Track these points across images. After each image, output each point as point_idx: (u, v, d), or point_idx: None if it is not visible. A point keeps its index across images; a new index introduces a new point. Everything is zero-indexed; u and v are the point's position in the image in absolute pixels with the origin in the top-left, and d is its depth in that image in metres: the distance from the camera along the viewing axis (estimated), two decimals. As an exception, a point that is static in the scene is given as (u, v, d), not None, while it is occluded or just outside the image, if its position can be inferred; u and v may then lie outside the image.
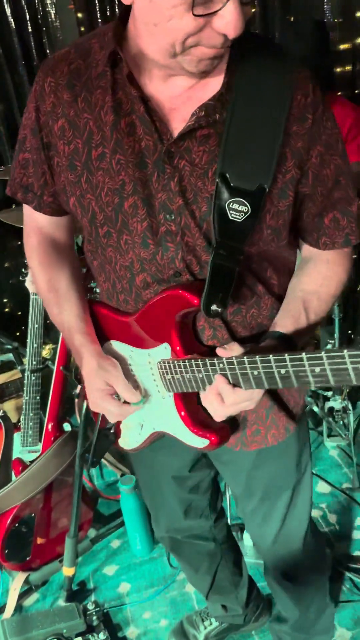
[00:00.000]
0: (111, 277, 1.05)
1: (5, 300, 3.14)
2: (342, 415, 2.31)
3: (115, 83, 0.92)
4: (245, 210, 0.90)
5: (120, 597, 1.91)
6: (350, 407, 2.27)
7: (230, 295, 0.96)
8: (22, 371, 2.27)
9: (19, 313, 3.16)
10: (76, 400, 2.32)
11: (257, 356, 0.84)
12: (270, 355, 0.82)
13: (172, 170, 0.91)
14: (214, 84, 0.90)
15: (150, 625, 1.80)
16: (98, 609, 1.80)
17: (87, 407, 1.75)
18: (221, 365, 0.90)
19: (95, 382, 1.04)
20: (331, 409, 2.32)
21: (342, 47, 2.55)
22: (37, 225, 1.13)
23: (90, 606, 1.80)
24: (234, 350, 0.91)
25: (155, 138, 0.91)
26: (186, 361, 0.96)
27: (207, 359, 0.93)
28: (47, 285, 1.12)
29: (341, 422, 2.33)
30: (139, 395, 1.05)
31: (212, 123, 0.89)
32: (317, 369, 0.77)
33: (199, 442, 1.02)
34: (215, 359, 0.91)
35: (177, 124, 0.91)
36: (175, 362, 0.98)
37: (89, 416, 1.80)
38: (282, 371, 0.82)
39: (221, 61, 0.88)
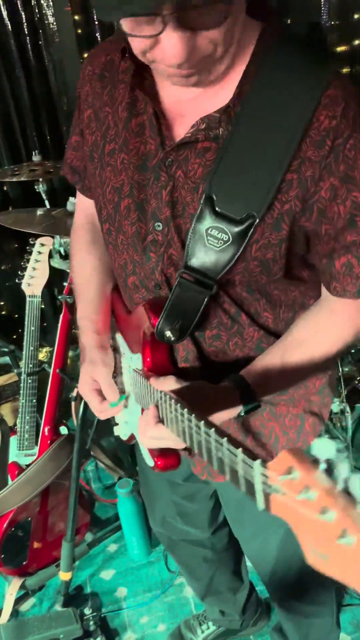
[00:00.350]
0: (115, 273, 1.06)
1: (1, 303, 3.13)
2: (340, 418, 2.31)
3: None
4: (225, 239, 0.82)
5: (118, 601, 1.89)
6: (348, 409, 2.26)
7: (195, 324, 0.89)
8: (19, 374, 2.26)
9: (16, 316, 3.14)
10: (73, 403, 2.31)
11: (176, 401, 0.75)
12: (179, 407, 0.74)
13: (166, 179, 0.87)
14: (226, 93, 0.82)
15: (147, 630, 1.79)
16: (95, 613, 1.79)
17: (84, 411, 1.75)
18: (156, 396, 0.84)
19: (84, 373, 1.06)
20: (329, 412, 2.31)
21: (339, 49, 2.55)
22: (82, 207, 1.16)
23: (87, 611, 1.79)
24: (166, 384, 0.84)
25: (157, 142, 0.87)
26: (142, 379, 0.92)
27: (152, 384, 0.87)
28: (75, 268, 1.16)
29: (339, 425, 2.32)
30: (117, 397, 1.03)
31: (213, 137, 0.82)
32: (206, 440, 0.66)
33: (149, 460, 0.97)
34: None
35: (181, 131, 0.86)
36: (140, 375, 0.95)
37: (86, 420, 1.80)
38: (186, 427, 0.72)
39: (213, 75, 0.80)
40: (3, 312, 3.15)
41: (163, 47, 0.71)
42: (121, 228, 0.94)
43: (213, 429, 0.64)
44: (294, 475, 0.43)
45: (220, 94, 0.82)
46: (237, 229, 0.81)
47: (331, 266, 0.86)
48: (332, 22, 2.46)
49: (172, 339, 0.90)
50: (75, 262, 1.17)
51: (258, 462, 0.50)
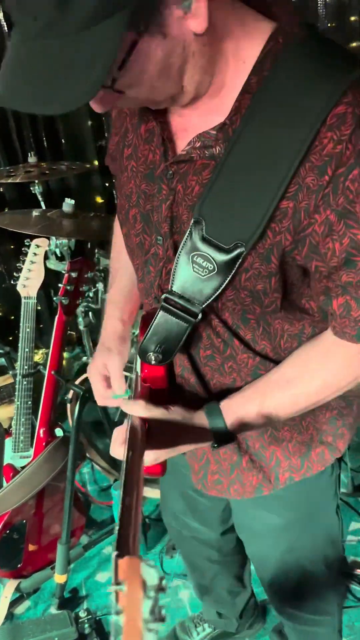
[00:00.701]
0: None
1: (-3, 304, 3.13)
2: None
3: None
4: (210, 269, 0.77)
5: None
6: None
7: (185, 344, 0.85)
8: (14, 376, 2.25)
9: (12, 317, 3.14)
10: (68, 405, 2.30)
11: (130, 431, 0.74)
12: (127, 443, 0.73)
13: (167, 192, 0.82)
14: (225, 107, 0.75)
15: (143, 632, 1.78)
16: (90, 616, 1.78)
17: (80, 413, 1.75)
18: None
19: (97, 357, 1.08)
20: (347, 443, 2.29)
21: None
22: None
23: (83, 614, 1.78)
24: (134, 409, 0.82)
25: (161, 152, 0.83)
26: (131, 387, 0.91)
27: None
28: (114, 253, 1.17)
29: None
30: (123, 389, 1.03)
31: (209, 156, 0.77)
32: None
33: None
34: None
35: (182, 145, 0.81)
36: (137, 379, 0.95)
37: (81, 422, 1.79)
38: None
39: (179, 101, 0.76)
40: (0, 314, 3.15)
41: None
42: (132, 236, 0.93)
43: (122, 488, 0.62)
44: (122, 587, 0.40)
45: (219, 109, 0.76)
46: (224, 258, 0.76)
47: (328, 304, 0.80)
48: (329, 24, 2.47)
49: (153, 361, 0.86)
50: (114, 247, 1.17)
51: (115, 553, 0.46)
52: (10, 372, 2.33)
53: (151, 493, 2.23)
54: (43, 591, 1.94)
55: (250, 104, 0.72)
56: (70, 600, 1.90)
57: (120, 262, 1.14)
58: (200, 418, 0.87)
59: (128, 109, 0.90)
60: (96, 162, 2.97)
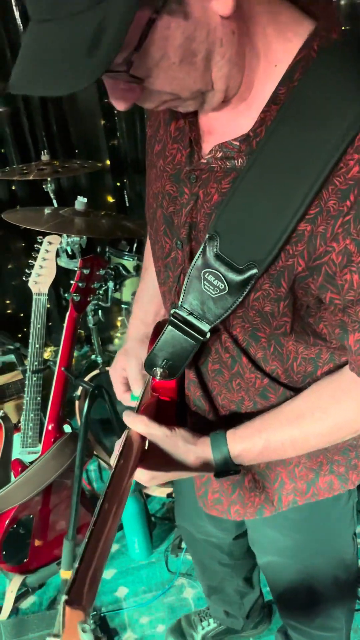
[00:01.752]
0: None
1: (7, 301, 3.14)
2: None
3: None
4: (221, 287, 0.74)
5: (118, 601, 1.89)
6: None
7: (195, 356, 0.83)
8: (24, 372, 2.26)
9: (21, 315, 3.15)
10: (77, 402, 2.31)
11: (124, 446, 0.71)
12: (120, 457, 0.69)
13: (188, 197, 0.79)
14: (251, 116, 0.70)
15: (147, 630, 1.78)
16: (95, 612, 1.78)
17: (88, 410, 1.75)
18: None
19: (117, 360, 1.09)
20: None
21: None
22: None
23: (87, 610, 1.79)
24: (135, 423, 0.78)
25: (187, 153, 0.79)
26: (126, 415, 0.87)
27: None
28: (146, 253, 1.16)
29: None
30: (139, 392, 1.03)
31: (230, 168, 0.72)
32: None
33: None
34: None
35: (207, 149, 0.77)
36: (147, 387, 0.94)
37: (89, 419, 1.80)
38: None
39: (202, 102, 0.70)
40: (9, 311, 3.16)
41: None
42: (157, 238, 0.89)
43: (101, 499, 0.60)
44: None
45: (245, 115, 0.71)
46: (236, 278, 0.72)
47: (344, 337, 0.74)
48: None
49: (158, 377, 0.84)
50: (146, 252, 1.17)
51: (64, 597, 0.45)
52: (20, 368, 2.34)
53: (157, 492, 2.23)
54: (48, 587, 1.95)
55: (276, 117, 0.67)
56: (75, 596, 1.91)
57: (150, 259, 1.10)
58: (204, 447, 0.82)
59: None
60: (108, 162, 2.98)
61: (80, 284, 1.78)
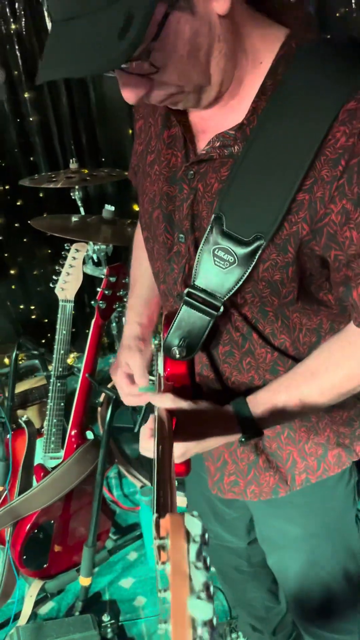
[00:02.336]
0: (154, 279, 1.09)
1: (32, 307, 3.18)
2: None
3: None
4: (230, 261, 0.80)
5: (136, 610, 1.88)
6: None
7: (203, 342, 0.88)
8: (48, 377, 2.28)
9: (46, 320, 3.19)
10: (99, 409, 2.33)
11: (158, 421, 0.76)
12: (157, 429, 0.75)
13: (188, 191, 0.87)
14: (242, 108, 0.79)
15: (165, 641, 1.77)
16: (113, 621, 1.78)
17: (112, 417, 1.76)
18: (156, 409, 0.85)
19: (118, 358, 1.11)
20: None
21: None
22: None
23: (106, 618, 1.78)
24: (162, 400, 0.84)
25: (182, 155, 0.88)
26: (155, 385, 0.93)
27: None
28: (133, 262, 1.21)
29: None
30: (147, 382, 1.06)
31: (228, 155, 0.80)
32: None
33: None
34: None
35: (202, 146, 0.86)
36: (160, 380, 0.97)
37: (112, 426, 1.80)
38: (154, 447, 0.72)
39: (202, 99, 0.78)
40: (33, 316, 3.20)
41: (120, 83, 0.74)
42: (155, 238, 0.96)
43: (156, 465, 0.63)
44: (166, 542, 0.42)
45: (237, 110, 0.80)
46: (244, 251, 0.79)
47: (348, 295, 0.80)
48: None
49: (177, 356, 0.89)
50: (134, 257, 1.22)
51: (154, 516, 0.48)
52: (44, 374, 2.36)
53: (177, 501, 2.23)
54: (67, 593, 1.95)
55: (266, 105, 0.76)
56: (93, 603, 1.90)
57: (140, 270, 1.18)
58: (228, 412, 0.88)
59: (152, 119, 0.94)
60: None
61: (106, 292, 1.79)
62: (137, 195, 1.09)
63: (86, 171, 2.45)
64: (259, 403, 0.87)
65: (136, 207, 3.12)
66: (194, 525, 0.42)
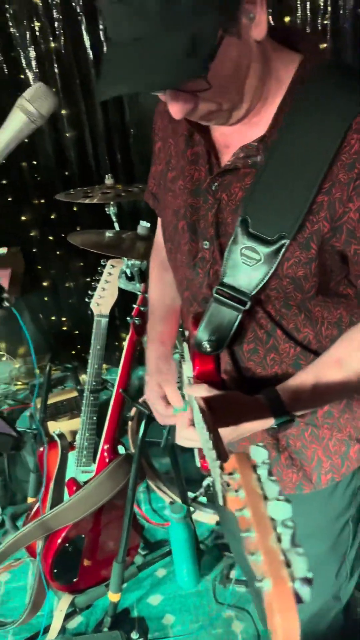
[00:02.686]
0: (177, 288, 1.14)
1: (63, 319, 3.21)
2: None
3: None
4: (257, 259, 0.88)
5: (164, 628, 1.87)
6: None
7: (230, 338, 0.94)
8: (80, 391, 2.30)
9: (76, 332, 3.22)
10: (130, 422, 2.33)
11: (199, 408, 0.82)
12: (199, 413, 0.80)
13: (212, 201, 0.95)
14: (264, 123, 0.88)
15: (194, 662, 1.75)
16: (142, 639, 1.77)
17: (144, 434, 1.76)
18: (192, 401, 0.90)
19: (151, 381, 1.14)
20: None
21: None
22: (160, 230, 1.25)
23: (134, 635, 1.78)
24: (197, 390, 0.91)
25: (207, 169, 0.96)
26: (188, 384, 0.98)
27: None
28: (150, 282, 1.27)
29: None
30: (181, 403, 1.08)
31: (252, 164, 0.89)
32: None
33: (197, 461, 1.05)
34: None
35: (226, 160, 0.93)
36: (189, 381, 1.01)
37: (145, 441, 1.81)
38: (201, 431, 0.77)
39: (233, 115, 0.86)
40: (64, 328, 3.23)
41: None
42: (179, 247, 1.03)
43: (210, 433, 0.68)
44: (235, 476, 0.50)
45: (259, 125, 0.88)
46: (269, 249, 0.86)
47: None
48: None
49: (208, 349, 0.95)
50: (151, 277, 1.28)
51: (217, 462, 0.55)
52: (78, 387, 2.38)
53: (204, 517, 2.21)
54: (95, 608, 1.95)
55: (286, 119, 0.85)
56: (121, 619, 1.90)
57: (156, 290, 1.25)
58: (258, 398, 0.92)
59: (173, 140, 1.02)
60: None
61: (142, 308, 1.80)
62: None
63: (121, 187, 2.48)
64: (288, 390, 0.92)
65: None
66: (259, 453, 0.50)
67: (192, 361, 1.01)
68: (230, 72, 0.79)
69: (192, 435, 0.94)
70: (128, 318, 1.82)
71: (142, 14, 0.71)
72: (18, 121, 0.95)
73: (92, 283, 1.97)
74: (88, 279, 3.14)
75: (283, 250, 0.86)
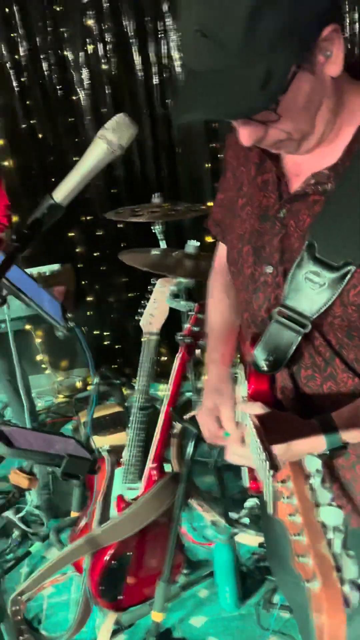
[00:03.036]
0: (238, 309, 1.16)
1: (106, 333, 3.26)
2: None
3: None
4: (321, 283, 0.88)
5: (208, 652, 1.85)
6: None
7: (288, 361, 0.95)
8: (125, 406, 2.32)
9: (118, 346, 3.26)
10: (173, 440, 2.34)
11: (253, 424, 0.83)
12: (253, 429, 0.80)
13: (279, 227, 0.96)
14: (336, 152, 0.90)
15: None
16: (185, 661, 1.76)
17: (193, 454, 1.77)
18: (245, 418, 0.91)
19: (207, 400, 1.14)
20: None
21: None
22: (221, 254, 1.26)
23: (178, 657, 1.76)
24: (251, 407, 0.92)
25: (276, 196, 0.97)
26: (244, 403, 0.99)
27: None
28: (210, 305, 1.28)
29: None
30: (234, 428, 1.07)
31: (322, 192, 0.90)
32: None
33: (245, 481, 1.06)
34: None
35: (295, 187, 0.95)
36: (244, 400, 1.01)
37: (193, 460, 1.81)
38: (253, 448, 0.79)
39: (303, 145, 0.88)
40: (106, 342, 3.27)
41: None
42: (242, 270, 1.04)
43: (262, 446, 0.70)
44: (287, 484, 0.51)
45: (331, 153, 0.89)
46: (334, 275, 0.87)
47: None
48: None
49: (265, 368, 0.96)
50: (210, 300, 1.29)
51: (271, 471, 0.57)
52: (126, 404, 2.40)
53: (245, 539, 2.19)
54: (138, 627, 1.95)
55: (358, 147, 0.86)
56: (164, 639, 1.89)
57: (216, 312, 1.26)
58: (312, 422, 0.92)
59: (245, 168, 1.05)
60: (210, 203, 3.06)
61: (194, 328, 1.81)
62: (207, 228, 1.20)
63: (168, 206, 2.52)
64: (342, 417, 0.91)
65: (208, 239, 3.16)
66: (313, 462, 0.52)
67: (247, 380, 1.03)
68: (301, 106, 0.81)
69: (243, 452, 0.94)
70: (180, 338, 1.83)
71: (222, 47, 0.75)
72: (100, 151, 0.98)
73: (142, 301, 1.99)
74: (131, 295, 3.19)
75: (349, 276, 0.86)
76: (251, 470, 1.05)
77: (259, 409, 0.91)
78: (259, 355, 0.97)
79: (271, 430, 0.87)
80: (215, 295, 1.29)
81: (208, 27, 0.75)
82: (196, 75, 0.80)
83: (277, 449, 0.88)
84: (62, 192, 0.87)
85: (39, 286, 1.62)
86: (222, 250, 1.26)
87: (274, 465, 0.63)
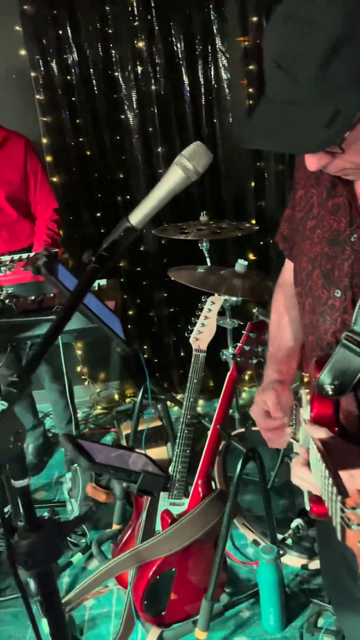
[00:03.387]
0: (302, 331, 1.17)
1: (145, 346, 3.29)
2: None
3: None
4: None
5: (250, 673, 1.83)
6: None
7: (354, 386, 0.94)
8: (166, 420, 2.34)
9: (155, 360, 3.28)
10: (217, 457, 2.34)
11: (318, 449, 0.83)
12: (319, 454, 0.80)
13: (350, 252, 0.97)
14: None
15: None
16: None
17: (241, 472, 1.77)
18: (310, 442, 0.91)
19: (257, 398, 1.18)
20: None
21: None
22: (286, 269, 1.30)
23: None
24: (317, 431, 0.91)
25: (347, 221, 0.99)
26: (306, 426, 0.99)
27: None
28: (273, 320, 1.31)
29: None
30: (280, 413, 1.13)
31: None
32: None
33: (306, 504, 1.04)
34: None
35: None
36: (305, 424, 1.01)
37: (241, 477, 1.81)
38: (319, 473, 0.78)
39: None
40: (145, 355, 3.30)
41: None
42: (310, 293, 1.06)
43: (328, 470, 0.70)
44: (357, 511, 0.54)
45: None
46: None
47: None
48: None
49: (330, 393, 0.96)
50: (273, 315, 1.31)
51: (339, 497, 0.59)
52: (173, 418, 2.41)
53: (289, 560, 2.17)
54: (179, 644, 1.94)
55: None
56: (206, 659, 1.88)
57: (279, 327, 1.28)
58: None
59: (315, 190, 1.07)
60: (253, 221, 3.09)
61: (245, 347, 1.83)
62: (252, 245, 1.20)
63: (214, 223, 2.55)
64: None
65: (251, 256, 3.18)
66: None
67: (310, 404, 1.03)
68: None
69: (306, 476, 0.94)
70: (231, 355, 1.85)
71: (295, 82, 0.78)
72: (177, 176, 1.02)
73: (192, 318, 2.01)
74: (171, 310, 3.22)
75: None
76: (311, 494, 1.06)
77: (324, 433, 0.92)
78: (325, 379, 0.97)
79: (335, 455, 0.87)
80: (277, 311, 1.31)
81: (284, 60, 0.79)
82: (268, 101, 0.84)
83: (342, 474, 0.88)
84: (138, 216, 0.90)
85: (102, 302, 1.65)
86: (288, 266, 1.28)
87: (342, 492, 0.63)
